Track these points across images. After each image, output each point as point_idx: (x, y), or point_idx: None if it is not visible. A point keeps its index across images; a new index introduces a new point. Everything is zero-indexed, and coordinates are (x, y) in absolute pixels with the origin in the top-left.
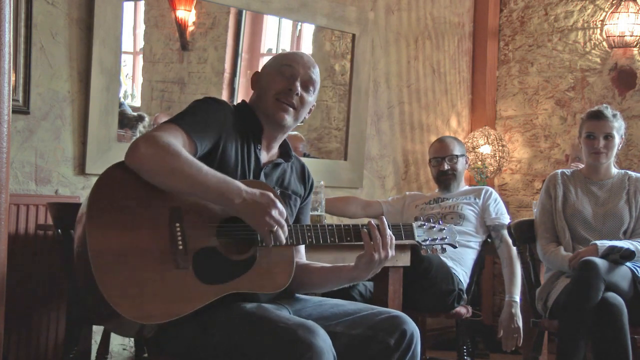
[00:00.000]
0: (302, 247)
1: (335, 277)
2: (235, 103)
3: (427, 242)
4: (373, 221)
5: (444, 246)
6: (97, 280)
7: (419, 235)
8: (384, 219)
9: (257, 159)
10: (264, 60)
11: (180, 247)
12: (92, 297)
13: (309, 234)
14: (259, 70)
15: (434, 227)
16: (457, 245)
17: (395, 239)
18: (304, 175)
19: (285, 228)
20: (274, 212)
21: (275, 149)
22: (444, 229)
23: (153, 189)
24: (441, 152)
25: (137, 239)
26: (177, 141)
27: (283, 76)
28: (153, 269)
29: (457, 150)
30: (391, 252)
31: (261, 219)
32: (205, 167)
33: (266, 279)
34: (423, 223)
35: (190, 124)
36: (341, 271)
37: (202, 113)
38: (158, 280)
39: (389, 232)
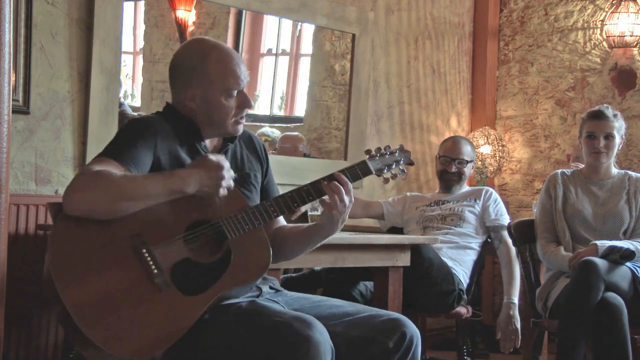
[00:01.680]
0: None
1: (307, 240)
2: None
3: (385, 170)
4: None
5: (402, 167)
6: (86, 334)
7: (375, 167)
8: (337, 173)
9: (204, 153)
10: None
11: (155, 270)
12: (88, 345)
13: (272, 208)
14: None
15: (386, 154)
16: (414, 162)
17: (354, 180)
18: (254, 146)
19: (230, 177)
20: (222, 172)
21: (219, 137)
22: (395, 151)
23: (106, 226)
24: (452, 153)
25: (112, 280)
26: (106, 168)
27: (233, 97)
28: (137, 302)
29: (467, 156)
30: (348, 199)
31: (217, 185)
32: (139, 177)
33: (248, 267)
34: (374, 154)
35: (118, 151)
36: (311, 232)
37: (129, 138)
38: (146, 311)
39: (344, 179)
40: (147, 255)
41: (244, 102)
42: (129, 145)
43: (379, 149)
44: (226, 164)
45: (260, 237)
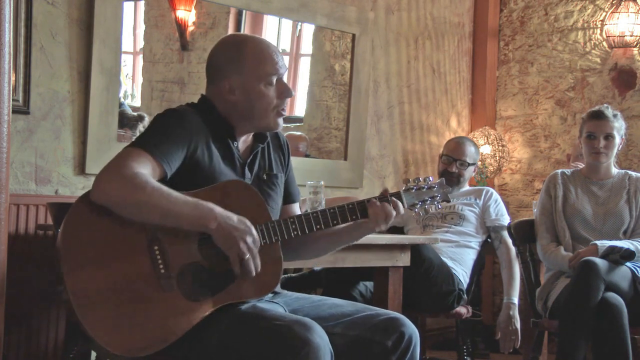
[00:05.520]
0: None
1: (336, 242)
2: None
3: (419, 205)
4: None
5: (437, 203)
6: (81, 321)
7: (409, 200)
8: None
9: (237, 155)
10: None
11: (162, 270)
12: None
13: (293, 226)
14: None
15: (424, 187)
16: (451, 199)
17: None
18: (279, 143)
19: (258, 259)
20: (249, 239)
21: (250, 136)
22: (434, 186)
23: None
24: (454, 153)
25: (118, 271)
26: (143, 167)
27: (272, 85)
28: (138, 299)
29: (469, 158)
30: (389, 221)
31: (233, 246)
32: (174, 195)
33: (255, 284)
34: (412, 187)
35: (154, 144)
36: (342, 235)
37: (165, 130)
38: (145, 309)
39: (396, 202)
40: (158, 252)
41: (284, 90)
42: (164, 138)
43: (417, 179)
44: (254, 236)
45: (274, 255)
